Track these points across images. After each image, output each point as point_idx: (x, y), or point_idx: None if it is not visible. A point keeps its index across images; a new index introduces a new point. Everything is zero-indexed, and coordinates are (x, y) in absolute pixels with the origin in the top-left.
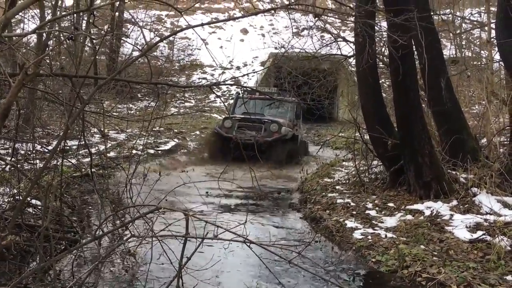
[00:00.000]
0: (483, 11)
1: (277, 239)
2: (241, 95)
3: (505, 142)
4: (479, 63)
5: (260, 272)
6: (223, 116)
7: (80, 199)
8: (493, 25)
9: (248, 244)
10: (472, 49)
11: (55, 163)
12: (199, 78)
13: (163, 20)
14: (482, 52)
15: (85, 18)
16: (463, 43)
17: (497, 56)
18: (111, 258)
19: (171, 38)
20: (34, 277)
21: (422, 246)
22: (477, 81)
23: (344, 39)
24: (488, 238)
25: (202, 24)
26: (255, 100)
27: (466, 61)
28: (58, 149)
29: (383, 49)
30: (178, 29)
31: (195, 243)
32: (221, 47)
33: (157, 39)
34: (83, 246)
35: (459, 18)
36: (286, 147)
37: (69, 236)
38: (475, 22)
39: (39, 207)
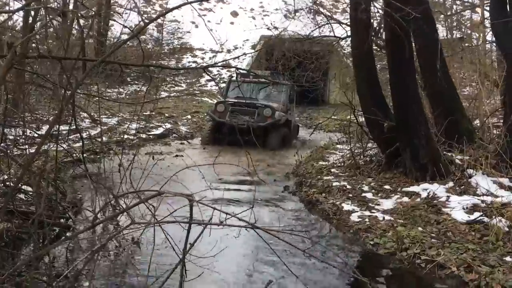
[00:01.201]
0: None
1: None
2: (234, 78)
3: (498, 123)
4: (470, 44)
5: (267, 258)
6: (216, 100)
7: (72, 185)
8: (486, 7)
9: (255, 229)
10: (463, 30)
11: (46, 148)
12: (189, 62)
13: (151, 2)
14: (473, 33)
15: None
16: (454, 24)
17: (489, 37)
18: (110, 245)
19: (159, 21)
20: (29, 265)
21: (420, 228)
22: (469, 63)
23: (338, 21)
24: (486, 219)
25: (189, 2)
26: (249, 84)
27: (458, 42)
28: (50, 133)
29: (379, 30)
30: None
31: (199, 229)
32: (211, 30)
33: (146, 21)
34: (80, 233)
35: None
36: (280, 132)
37: (62, 222)
38: (466, 3)
39: (31, 193)
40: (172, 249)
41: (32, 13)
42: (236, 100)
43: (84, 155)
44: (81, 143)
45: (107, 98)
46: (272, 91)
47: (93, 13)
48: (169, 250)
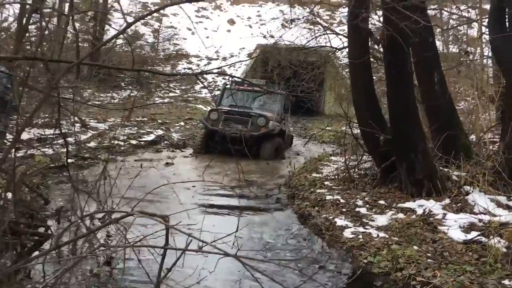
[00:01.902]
0: (472, 6)
1: (270, 245)
2: (228, 86)
3: (494, 139)
4: (467, 59)
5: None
6: (209, 108)
7: (55, 191)
8: (484, 22)
9: (237, 259)
10: (460, 45)
11: (31, 152)
12: (184, 68)
13: (148, 8)
14: (469, 48)
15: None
16: (450, 38)
17: (485, 52)
18: (81, 266)
19: (156, 27)
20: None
21: (415, 247)
22: (465, 77)
23: (334, 32)
24: (483, 239)
25: (183, 2)
26: (243, 92)
27: (454, 57)
28: (38, 138)
29: (376, 42)
30: (163, 16)
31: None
32: (207, 37)
33: (142, 28)
34: (40, 257)
35: (447, 14)
36: (274, 142)
37: (41, 231)
38: (463, 18)
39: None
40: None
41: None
42: (229, 108)
43: (71, 160)
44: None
45: (92, 104)
46: (266, 100)
47: (88, 16)
48: (143, 276)
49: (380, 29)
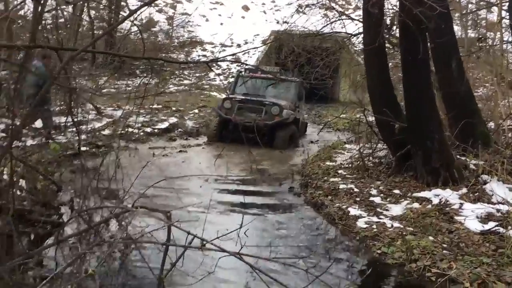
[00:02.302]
0: None
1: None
2: (242, 73)
3: None
4: (484, 45)
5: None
6: (223, 96)
7: (69, 179)
8: (504, 6)
9: (240, 259)
10: (479, 30)
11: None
12: (198, 55)
13: None
14: (488, 33)
15: None
16: (469, 23)
17: (505, 37)
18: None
19: (170, 14)
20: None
21: (430, 238)
22: (484, 63)
23: (349, 17)
24: (501, 230)
25: None
26: (257, 79)
27: (473, 42)
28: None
29: (392, 26)
30: (177, 3)
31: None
32: (221, 23)
33: (157, 15)
34: (43, 249)
35: None
36: (287, 131)
37: (54, 219)
38: (482, 2)
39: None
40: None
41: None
42: (243, 97)
43: (84, 148)
44: (82, 136)
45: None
46: (280, 88)
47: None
48: (145, 271)
49: (396, 13)
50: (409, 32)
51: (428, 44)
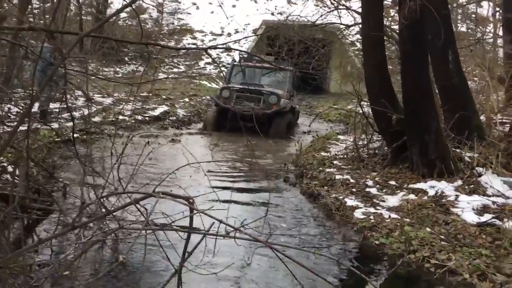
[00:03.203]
0: None
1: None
2: (237, 62)
3: (503, 120)
4: (477, 39)
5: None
6: (221, 85)
7: (61, 165)
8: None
9: (271, 248)
10: (469, 24)
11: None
12: (189, 43)
13: None
14: (477, 28)
15: None
16: (459, 17)
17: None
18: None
19: (160, 1)
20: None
21: (428, 229)
22: (474, 57)
23: (346, 7)
24: (497, 222)
25: None
26: (253, 69)
27: (465, 36)
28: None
29: (389, 19)
30: None
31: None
32: (212, 12)
33: (147, 1)
34: (54, 238)
35: None
36: (285, 119)
37: (47, 206)
38: None
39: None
40: (166, 257)
41: None
42: (242, 86)
43: (76, 135)
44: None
45: (100, 77)
46: (276, 77)
47: None
48: (161, 257)
49: (394, 2)
50: (409, 23)
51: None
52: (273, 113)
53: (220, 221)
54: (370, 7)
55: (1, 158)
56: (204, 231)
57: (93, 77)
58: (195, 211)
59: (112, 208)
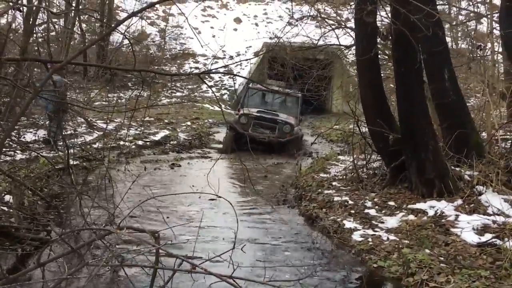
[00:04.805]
0: (482, 1)
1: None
2: (250, 86)
3: (506, 136)
4: (477, 55)
5: None
6: (240, 112)
7: (58, 194)
8: (494, 16)
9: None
10: (469, 40)
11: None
12: (191, 67)
13: (154, 7)
14: (479, 44)
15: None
16: (459, 34)
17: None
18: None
19: (162, 26)
20: None
21: (427, 251)
22: (475, 74)
23: (344, 26)
24: (498, 241)
25: None
26: (265, 94)
27: (464, 53)
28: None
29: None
30: (169, 16)
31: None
32: (213, 36)
33: (149, 28)
34: (28, 272)
35: (455, 9)
36: (296, 145)
37: (41, 236)
38: (472, 14)
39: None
40: None
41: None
42: (259, 115)
43: (76, 162)
44: (73, 150)
45: (97, 108)
46: (288, 102)
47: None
48: None
49: (388, 24)
50: (402, 42)
51: (421, 54)
52: (286, 141)
53: (181, 258)
54: (364, 27)
55: None
56: (171, 267)
57: (95, 104)
58: (160, 247)
59: (77, 245)
